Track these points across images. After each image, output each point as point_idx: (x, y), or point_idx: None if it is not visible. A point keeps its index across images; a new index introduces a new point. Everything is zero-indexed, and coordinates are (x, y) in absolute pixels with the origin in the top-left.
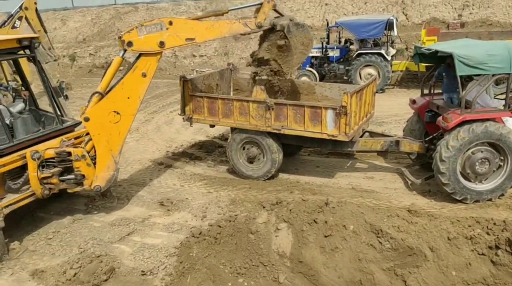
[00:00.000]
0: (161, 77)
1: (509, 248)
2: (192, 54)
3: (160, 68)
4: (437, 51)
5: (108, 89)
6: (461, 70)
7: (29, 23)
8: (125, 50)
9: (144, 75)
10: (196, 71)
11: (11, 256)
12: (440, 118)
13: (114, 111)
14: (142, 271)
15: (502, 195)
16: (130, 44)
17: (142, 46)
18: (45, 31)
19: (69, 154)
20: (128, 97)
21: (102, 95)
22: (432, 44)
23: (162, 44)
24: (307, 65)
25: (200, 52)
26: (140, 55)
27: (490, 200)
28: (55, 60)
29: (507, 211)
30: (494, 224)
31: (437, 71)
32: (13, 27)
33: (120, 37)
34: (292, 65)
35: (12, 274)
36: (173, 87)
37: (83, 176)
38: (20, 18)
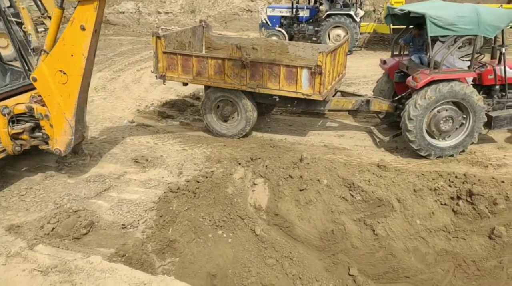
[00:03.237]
0: (124, 35)
1: (469, 199)
2: (157, 11)
3: (123, 25)
4: (409, 12)
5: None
6: (432, 31)
7: None
8: None
9: (83, 28)
10: (162, 28)
11: None
12: (409, 78)
13: (60, 71)
14: (123, 224)
15: (463, 151)
16: None
17: None
18: None
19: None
20: (72, 55)
21: (47, 53)
22: (403, 5)
23: None
24: (277, 25)
25: (166, 9)
26: (77, 3)
27: (452, 155)
28: None
29: (468, 165)
30: (456, 177)
31: (409, 33)
32: None
33: None
34: None
35: None
36: (138, 45)
37: (48, 135)
38: None
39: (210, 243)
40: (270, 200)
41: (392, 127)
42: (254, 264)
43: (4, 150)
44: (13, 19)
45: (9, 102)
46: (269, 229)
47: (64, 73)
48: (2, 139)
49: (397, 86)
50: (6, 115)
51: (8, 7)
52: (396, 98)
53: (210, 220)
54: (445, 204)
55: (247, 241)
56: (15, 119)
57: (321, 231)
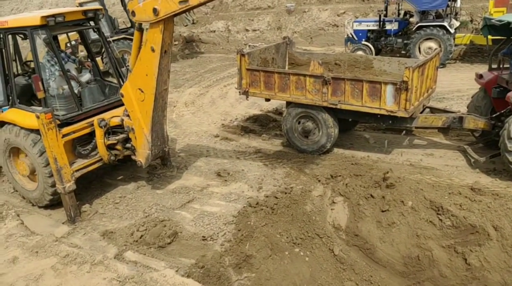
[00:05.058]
0: (214, 52)
1: None
2: (245, 29)
3: (213, 43)
4: (509, 23)
5: None
6: None
7: None
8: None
9: (152, 49)
10: (249, 45)
11: (83, 218)
12: (510, 93)
13: (139, 89)
14: (203, 236)
15: None
16: (133, 13)
17: (142, 15)
18: None
19: None
20: (146, 74)
21: (131, 72)
22: (502, 15)
23: (155, 11)
24: (363, 39)
25: (253, 27)
26: (149, 26)
27: None
28: (193, 23)
29: None
30: None
31: (509, 44)
32: None
33: None
34: None
35: (84, 234)
36: (226, 62)
37: (134, 147)
38: None
39: (286, 260)
40: (350, 219)
41: (489, 147)
42: None
43: (101, 159)
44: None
45: (106, 115)
46: (348, 250)
47: (142, 91)
48: (99, 149)
49: (496, 103)
50: (103, 127)
51: (129, 27)
52: (494, 115)
53: (287, 237)
54: None
55: (325, 261)
56: (110, 131)
57: (405, 256)
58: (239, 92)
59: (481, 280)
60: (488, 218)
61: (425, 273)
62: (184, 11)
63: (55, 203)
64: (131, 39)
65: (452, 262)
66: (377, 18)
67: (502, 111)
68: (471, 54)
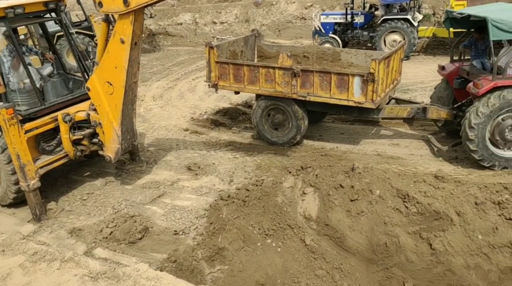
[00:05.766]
0: (182, 45)
1: None
2: (213, 21)
3: (181, 36)
4: (469, 16)
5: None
6: (494, 35)
7: None
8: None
9: (122, 41)
10: (217, 38)
11: (49, 215)
12: (470, 84)
13: (108, 82)
14: (175, 231)
15: None
16: (100, 4)
17: (110, 6)
18: None
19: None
20: (116, 67)
21: (97, 65)
22: (463, 8)
23: (126, 2)
24: (330, 32)
25: (221, 19)
26: (118, 17)
27: None
28: (151, 17)
29: None
30: None
31: (470, 37)
32: None
33: None
34: None
35: (51, 232)
36: (194, 55)
37: (102, 142)
38: None
39: (259, 252)
40: (320, 209)
41: (451, 136)
42: (303, 275)
43: (66, 155)
44: (86, 32)
45: (71, 110)
46: (319, 239)
47: (111, 84)
48: (64, 145)
49: (457, 93)
50: (68, 122)
51: (83, 20)
52: (456, 105)
53: (259, 229)
54: (510, 219)
55: (297, 251)
56: (76, 126)
57: (374, 243)
58: (208, 85)
59: (446, 264)
60: (451, 204)
61: (392, 259)
62: (157, 2)
63: (19, 201)
64: (84, 34)
65: (418, 247)
66: (344, 11)
67: (463, 101)
68: (433, 46)
